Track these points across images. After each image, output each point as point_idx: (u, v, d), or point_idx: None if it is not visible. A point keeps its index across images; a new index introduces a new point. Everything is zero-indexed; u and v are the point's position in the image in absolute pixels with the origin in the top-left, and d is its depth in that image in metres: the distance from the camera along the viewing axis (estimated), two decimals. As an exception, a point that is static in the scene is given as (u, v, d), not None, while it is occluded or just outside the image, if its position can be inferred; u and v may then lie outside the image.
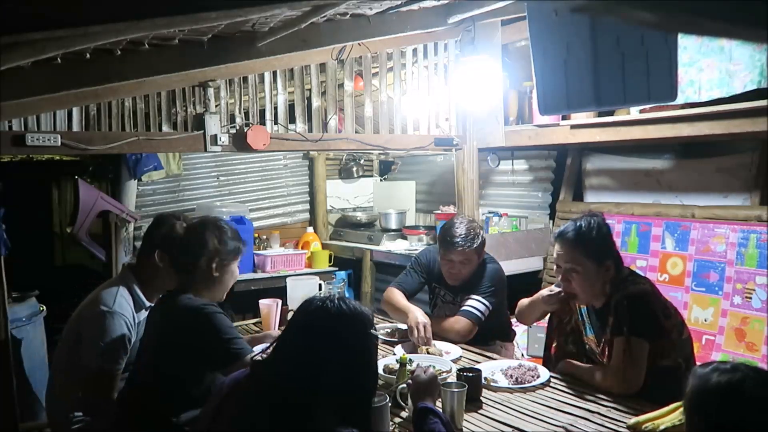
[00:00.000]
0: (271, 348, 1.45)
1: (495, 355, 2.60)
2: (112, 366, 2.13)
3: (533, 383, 2.15)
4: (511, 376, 2.21)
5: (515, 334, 3.11)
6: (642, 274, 2.25)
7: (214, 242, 2.01)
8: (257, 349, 2.02)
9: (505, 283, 2.86)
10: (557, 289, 2.32)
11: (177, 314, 1.93)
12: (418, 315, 2.59)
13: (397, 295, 2.83)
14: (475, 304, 2.69)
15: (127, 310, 2.21)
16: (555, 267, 2.25)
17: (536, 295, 2.45)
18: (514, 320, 3.40)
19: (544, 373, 2.22)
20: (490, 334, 2.82)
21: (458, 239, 2.67)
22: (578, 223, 2.19)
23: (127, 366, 2.18)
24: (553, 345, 2.40)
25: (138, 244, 4.31)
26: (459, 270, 2.74)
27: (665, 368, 2.09)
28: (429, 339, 2.54)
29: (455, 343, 2.62)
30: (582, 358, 2.33)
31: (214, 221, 2.11)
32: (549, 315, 2.48)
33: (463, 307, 2.70)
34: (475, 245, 2.69)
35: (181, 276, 2.04)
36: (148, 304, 2.30)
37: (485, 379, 2.15)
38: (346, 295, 2.53)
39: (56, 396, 2.29)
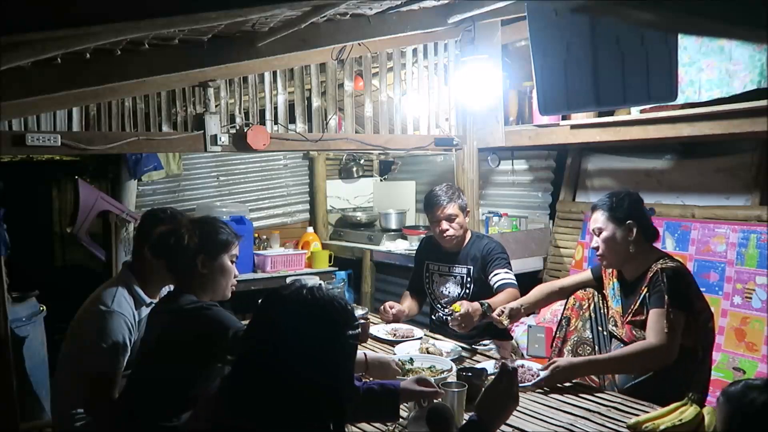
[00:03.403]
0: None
1: (494, 353, 2.61)
2: (112, 367, 2.13)
3: (533, 382, 2.16)
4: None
5: (511, 337, 3.12)
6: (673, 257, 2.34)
7: (193, 239, 1.96)
8: None
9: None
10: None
11: (178, 316, 1.92)
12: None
13: (403, 298, 3.12)
14: (506, 276, 2.79)
15: (126, 309, 2.21)
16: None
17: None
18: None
19: (539, 366, 2.25)
20: (486, 333, 2.83)
21: (439, 197, 2.88)
22: (611, 192, 2.37)
23: (129, 364, 2.18)
24: (571, 328, 2.42)
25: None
26: (449, 226, 2.88)
27: (683, 348, 2.13)
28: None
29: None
30: (595, 346, 2.36)
31: (196, 218, 2.10)
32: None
33: (503, 281, 2.77)
34: (455, 198, 2.89)
35: (176, 278, 2.03)
36: (149, 300, 2.29)
37: (486, 377, 2.15)
38: (346, 295, 2.55)
39: (60, 394, 2.29)
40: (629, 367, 2.19)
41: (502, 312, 2.48)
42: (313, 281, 1.38)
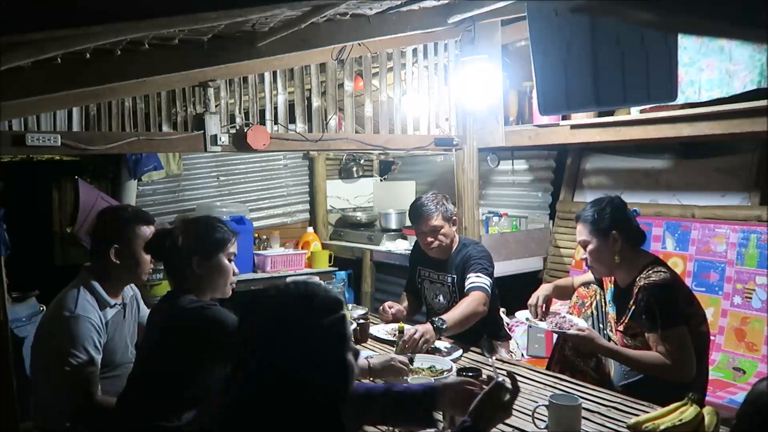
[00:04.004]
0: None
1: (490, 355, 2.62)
2: (88, 371, 2.08)
3: (571, 331, 2.23)
4: (551, 322, 2.33)
5: (509, 336, 3.11)
6: (665, 263, 2.33)
7: (187, 239, 1.96)
8: None
9: (494, 265, 2.88)
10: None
11: (178, 315, 1.91)
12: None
13: (401, 300, 3.08)
14: (476, 279, 2.70)
15: (91, 312, 2.16)
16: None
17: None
18: (512, 320, 3.42)
19: (582, 324, 2.31)
20: (485, 333, 2.83)
21: (422, 208, 2.82)
22: (593, 202, 2.37)
23: (104, 365, 2.15)
24: None
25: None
26: (434, 238, 2.83)
27: None
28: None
29: (476, 317, 2.62)
30: None
31: (191, 218, 2.09)
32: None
33: (473, 284, 2.69)
34: (439, 209, 2.81)
35: (172, 278, 2.03)
36: (113, 302, 2.25)
37: (527, 319, 2.45)
38: (346, 295, 2.56)
39: (41, 403, 2.25)
40: (647, 373, 2.17)
41: (536, 299, 2.50)
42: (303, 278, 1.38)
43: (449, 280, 2.88)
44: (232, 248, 2.05)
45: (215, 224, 2.04)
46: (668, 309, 2.13)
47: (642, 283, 2.18)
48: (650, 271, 2.21)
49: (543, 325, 2.36)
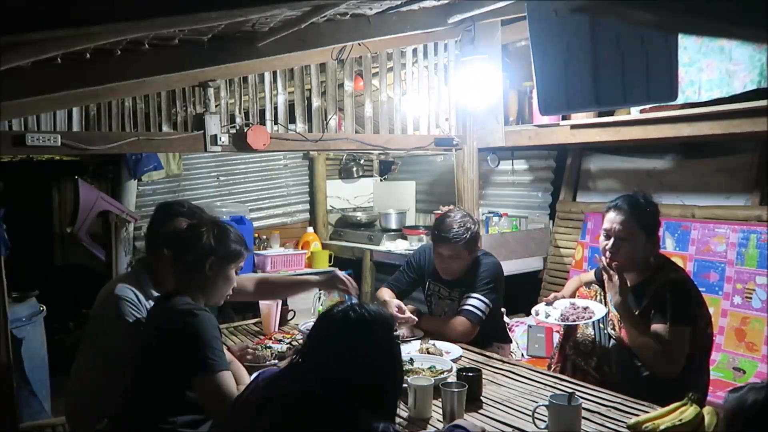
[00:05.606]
0: (298, 354, 1.51)
1: (494, 355, 2.61)
2: None
3: (578, 322, 2.27)
4: (562, 315, 2.34)
5: (512, 339, 3.10)
6: (676, 263, 2.37)
7: (211, 239, 1.96)
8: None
9: (503, 279, 2.83)
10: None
11: (168, 316, 1.90)
12: (393, 301, 2.74)
13: (383, 293, 2.89)
14: (476, 303, 2.66)
15: (129, 293, 2.20)
16: (602, 238, 2.33)
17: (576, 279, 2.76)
18: (512, 320, 3.41)
19: (599, 311, 2.31)
20: (489, 337, 2.81)
21: (447, 233, 2.66)
22: (634, 196, 2.30)
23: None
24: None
25: (138, 244, 4.32)
26: (449, 264, 2.73)
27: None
28: (404, 317, 2.69)
29: (456, 343, 2.62)
30: (597, 343, 2.37)
31: (217, 221, 2.09)
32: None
33: (464, 307, 2.66)
34: (464, 241, 2.66)
35: (178, 275, 2.02)
36: (155, 294, 2.27)
37: (536, 313, 2.42)
38: (345, 296, 2.56)
39: (84, 397, 2.23)
40: (641, 350, 2.19)
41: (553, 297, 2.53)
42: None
43: (457, 295, 2.80)
44: (242, 262, 2.09)
45: (237, 234, 2.07)
46: (682, 306, 2.15)
47: (662, 280, 2.20)
48: (669, 270, 2.24)
49: (552, 318, 2.36)
